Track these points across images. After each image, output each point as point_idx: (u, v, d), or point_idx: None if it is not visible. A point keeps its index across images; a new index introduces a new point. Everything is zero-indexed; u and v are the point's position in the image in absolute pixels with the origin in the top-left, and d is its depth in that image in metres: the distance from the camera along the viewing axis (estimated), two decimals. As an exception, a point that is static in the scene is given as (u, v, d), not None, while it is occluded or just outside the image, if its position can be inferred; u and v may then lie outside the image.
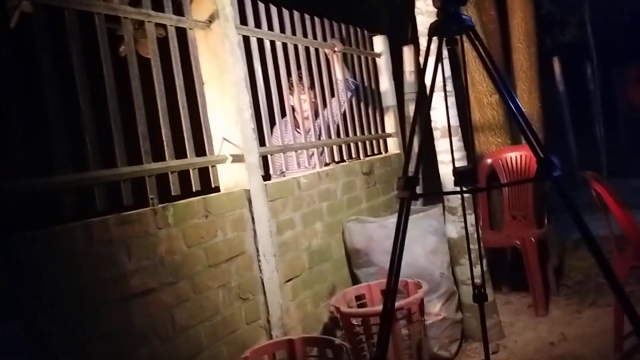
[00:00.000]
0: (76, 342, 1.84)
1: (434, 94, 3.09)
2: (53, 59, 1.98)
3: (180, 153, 2.48)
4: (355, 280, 3.43)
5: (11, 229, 1.75)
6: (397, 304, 2.44)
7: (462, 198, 2.40)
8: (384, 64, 4.50)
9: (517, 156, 4.13)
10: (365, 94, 4.24)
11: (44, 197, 1.90)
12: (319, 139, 3.66)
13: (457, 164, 2.98)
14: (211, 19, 2.68)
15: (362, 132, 4.11)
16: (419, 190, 2.05)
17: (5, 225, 1.73)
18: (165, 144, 2.42)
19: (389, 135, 4.51)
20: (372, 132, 4.27)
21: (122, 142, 2.20)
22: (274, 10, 3.22)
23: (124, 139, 2.21)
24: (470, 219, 3.27)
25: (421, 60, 3.48)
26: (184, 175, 2.46)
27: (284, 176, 3.43)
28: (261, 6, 3.11)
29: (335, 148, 3.74)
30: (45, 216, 1.85)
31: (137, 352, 2.04)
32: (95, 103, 2.12)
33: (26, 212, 1.81)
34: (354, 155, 3.93)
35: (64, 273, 1.85)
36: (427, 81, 2.37)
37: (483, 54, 2.01)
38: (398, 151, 4.53)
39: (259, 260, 2.73)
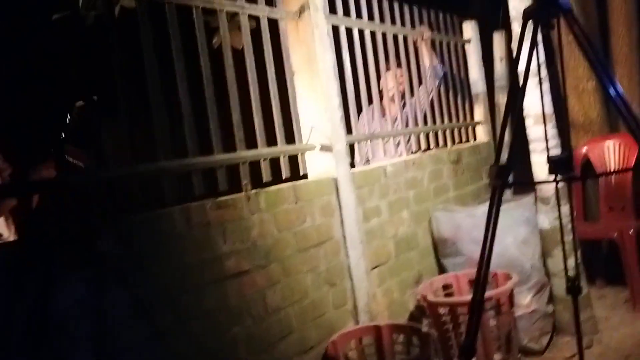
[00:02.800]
0: (178, 318, 1.96)
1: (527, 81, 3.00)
2: (153, 51, 2.09)
3: (271, 141, 2.56)
4: (442, 270, 3.40)
5: (121, 212, 1.88)
6: (486, 294, 2.40)
7: (557, 187, 2.32)
8: (473, 50, 4.41)
9: (615, 145, 3.93)
10: (454, 81, 4.17)
11: (148, 182, 2.02)
12: (406, 127, 3.64)
13: (551, 153, 2.89)
14: (302, 10, 2.73)
15: (450, 120, 4.05)
16: (511, 179, 2.01)
17: (116, 208, 1.87)
18: (257, 132, 2.50)
19: (478, 123, 4.42)
20: (461, 120, 4.20)
21: (218, 130, 2.29)
22: (362, -3, 3.23)
23: (219, 127, 2.31)
24: (564, 209, 3.15)
25: (514, 46, 3.37)
26: (274, 162, 2.54)
27: (369, 164, 3.44)
28: (350, -6, 3.13)
29: (422, 136, 3.71)
30: (149, 200, 1.98)
31: (232, 331, 2.14)
32: (192, 93, 2.22)
33: (133, 196, 1.93)
34: (441, 144, 3.89)
35: (167, 254, 1.96)
36: (521, 68, 2.31)
37: (582, 38, 1.94)
38: (487, 139, 4.43)
39: (346, 247, 2.77)
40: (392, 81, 3.62)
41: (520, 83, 2.16)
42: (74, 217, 1.77)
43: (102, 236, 1.76)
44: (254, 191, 2.34)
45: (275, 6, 2.67)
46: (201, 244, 2.08)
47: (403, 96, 3.67)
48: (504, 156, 2.02)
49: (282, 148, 2.61)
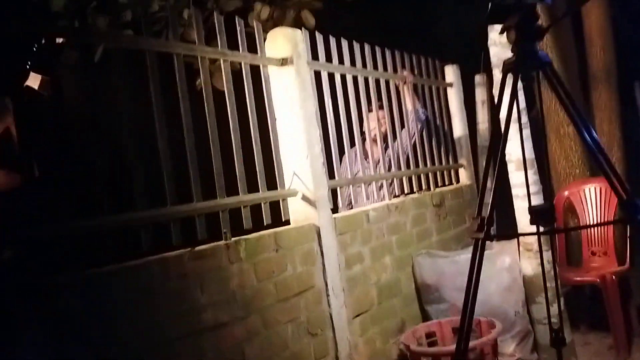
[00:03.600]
0: (150, 375, 1.88)
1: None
2: (131, 96, 2.07)
3: (252, 187, 2.52)
4: (425, 317, 3.35)
5: (91, 264, 1.82)
6: (470, 344, 2.36)
7: (539, 238, 2.31)
8: (455, 94, 4.45)
9: (597, 188, 3.95)
10: (436, 125, 4.19)
11: (123, 233, 1.96)
12: (389, 171, 3.63)
13: (533, 198, 2.88)
14: (285, 57, 2.73)
15: (433, 163, 4.05)
16: (493, 229, 2.00)
17: (86, 260, 1.81)
18: (238, 179, 2.46)
19: (461, 165, 4.43)
20: (443, 163, 4.20)
21: (198, 178, 2.25)
22: (344, 43, 3.24)
23: (199, 173, 2.27)
24: (547, 255, 3.14)
25: (495, 92, 3.41)
26: (255, 208, 2.50)
27: (352, 207, 3.41)
28: (332, 40, 3.14)
29: (405, 179, 3.70)
30: (122, 250, 1.92)
31: (208, 387, 2.07)
32: (171, 139, 2.18)
33: (107, 247, 1.88)
34: (424, 187, 3.88)
35: (140, 307, 1.90)
36: (502, 115, 2.32)
37: (560, 90, 1.95)
38: (470, 182, 4.44)
39: (328, 295, 2.72)
40: (373, 122, 3.62)
41: (502, 132, 2.17)
42: (36, 268, 1.71)
43: (65, 290, 1.69)
44: (234, 239, 2.29)
45: (258, 52, 2.66)
46: (177, 296, 2.02)
47: (385, 138, 3.67)
48: (488, 200, 2.01)
49: (263, 194, 2.57)
